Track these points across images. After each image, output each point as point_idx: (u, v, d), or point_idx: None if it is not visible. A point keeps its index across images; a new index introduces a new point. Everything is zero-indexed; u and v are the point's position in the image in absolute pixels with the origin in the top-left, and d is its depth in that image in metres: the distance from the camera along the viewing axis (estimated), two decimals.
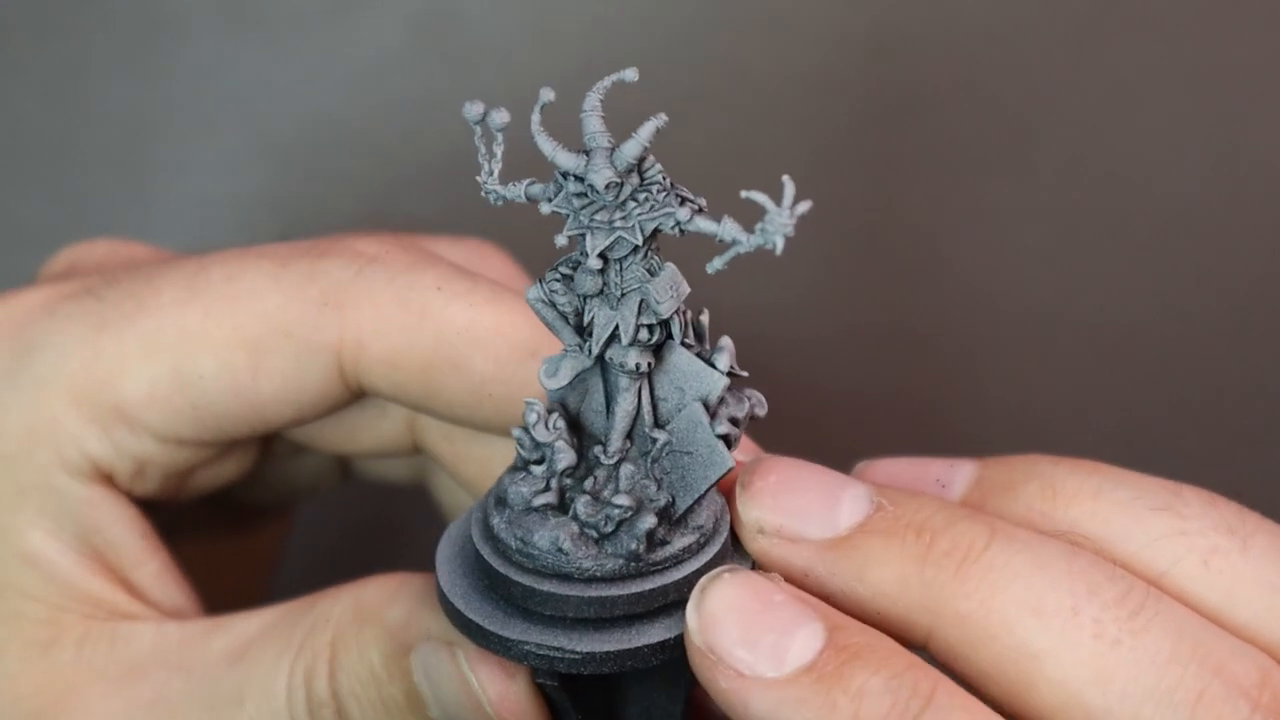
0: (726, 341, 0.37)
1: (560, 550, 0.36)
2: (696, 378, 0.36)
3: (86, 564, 0.42)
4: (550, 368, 0.36)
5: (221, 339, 0.42)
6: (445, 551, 0.38)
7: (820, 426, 0.66)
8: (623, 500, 0.36)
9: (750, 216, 0.34)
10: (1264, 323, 0.67)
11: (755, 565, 0.37)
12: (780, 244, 0.33)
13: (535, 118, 0.34)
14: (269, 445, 0.47)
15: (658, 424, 0.37)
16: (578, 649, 0.35)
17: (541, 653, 0.35)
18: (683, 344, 0.36)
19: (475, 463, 0.44)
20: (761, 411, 0.37)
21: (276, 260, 0.42)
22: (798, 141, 0.65)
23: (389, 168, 0.65)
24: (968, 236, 0.66)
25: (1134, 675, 0.34)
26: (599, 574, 0.36)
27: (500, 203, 0.36)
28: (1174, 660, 0.35)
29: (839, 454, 0.65)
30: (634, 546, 0.35)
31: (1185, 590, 0.36)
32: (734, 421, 0.37)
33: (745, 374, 0.37)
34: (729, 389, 0.37)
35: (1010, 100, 0.66)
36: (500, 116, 0.35)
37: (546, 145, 0.34)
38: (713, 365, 0.36)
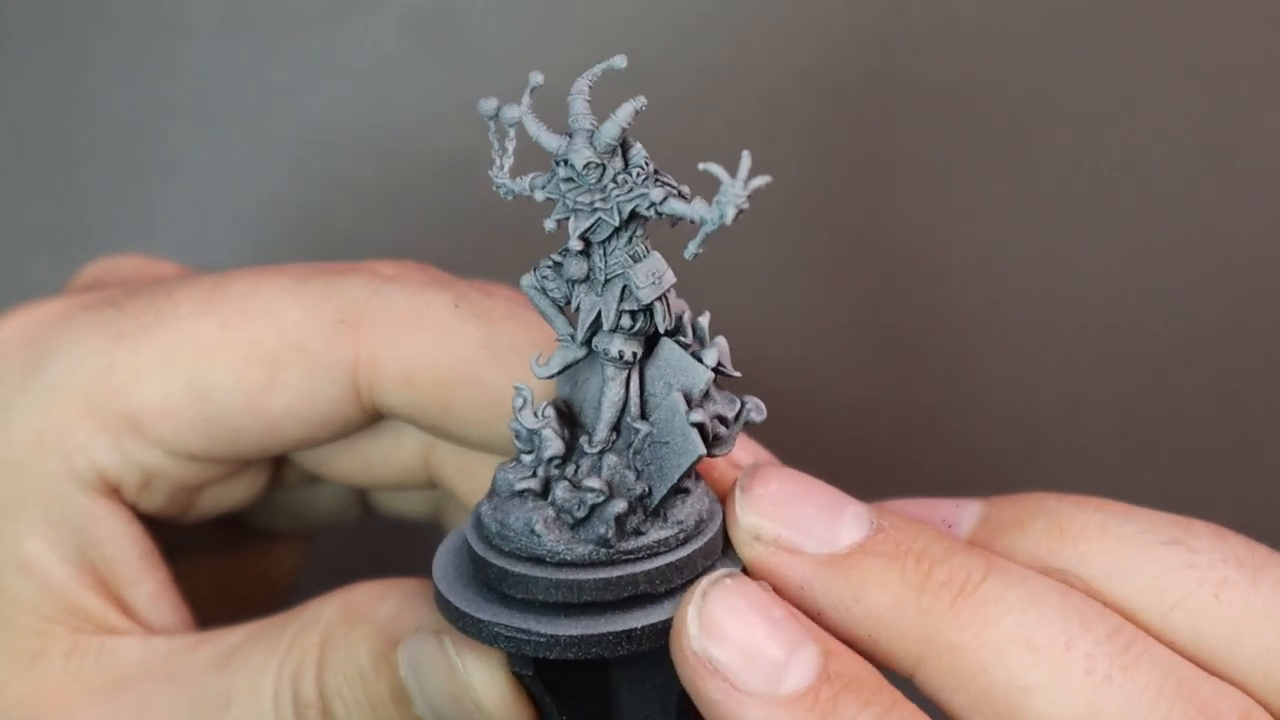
0: (720, 340, 0.37)
1: (533, 532, 0.36)
2: (682, 371, 0.37)
3: (81, 577, 0.42)
4: (538, 356, 0.37)
5: (237, 352, 0.42)
6: (447, 544, 0.38)
7: (816, 428, 0.66)
8: (594, 483, 0.36)
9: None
10: (1264, 323, 0.67)
11: (745, 570, 0.37)
12: (731, 214, 0.34)
13: (525, 100, 0.36)
14: (280, 473, 0.47)
15: (643, 416, 0.37)
16: (544, 631, 0.35)
17: (509, 634, 0.35)
18: (675, 340, 0.37)
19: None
20: (759, 417, 0.37)
21: (295, 277, 0.42)
22: (797, 141, 0.65)
23: (389, 168, 0.65)
24: (967, 236, 0.66)
25: (1123, 710, 0.35)
26: (569, 558, 0.36)
27: (510, 197, 0.37)
28: (1161, 696, 0.35)
29: (838, 455, 0.65)
30: (603, 531, 0.36)
31: (1196, 624, 0.37)
32: (722, 420, 0.37)
33: (737, 374, 0.37)
34: (718, 387, 0.37)
35: (1010, 100, 0.66)
36: (512, 112, 0.36)
37: (532, 126, 0.36)
38: (700, 360, 0.37)
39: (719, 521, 0.37)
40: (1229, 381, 0.67)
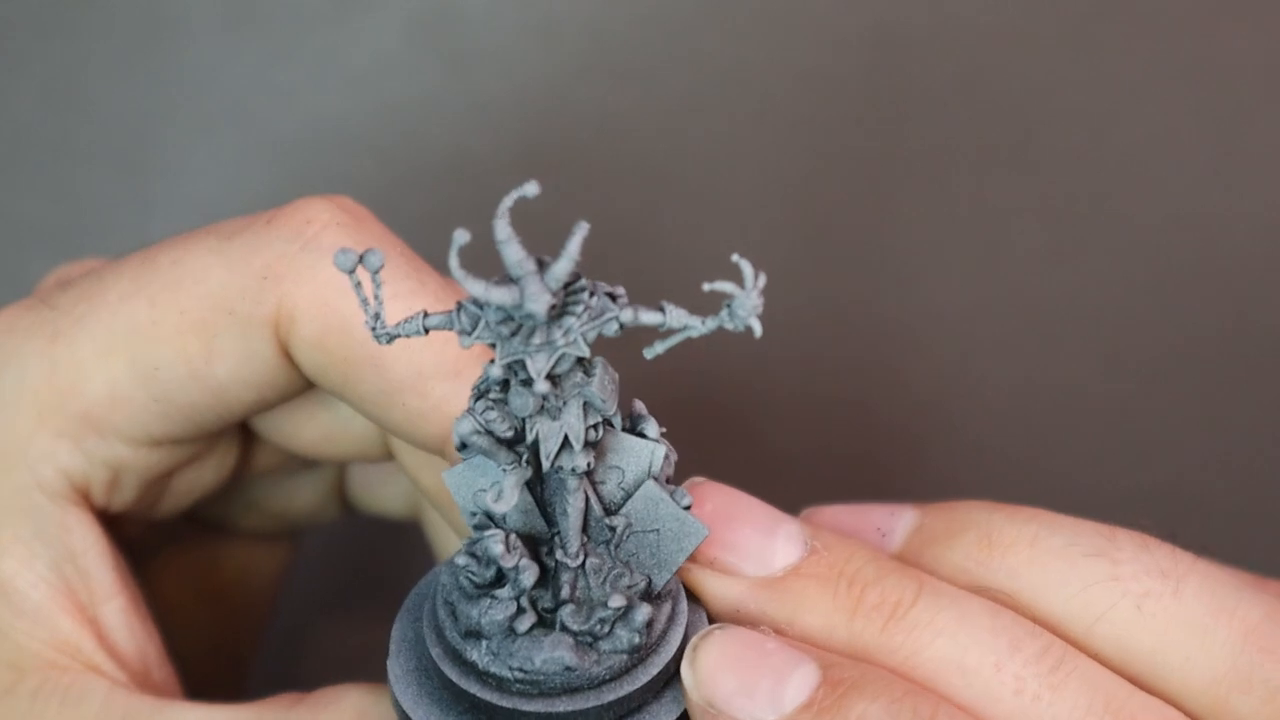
0: (640, 406, 0.36)
1: (569, 668, 0.35)
2: (632, 453, 0.36)
3: (57, 599, 0.41)
4: (494, 492, 0.35)
5: (170, 327, 0.41)
6: (408, 693, 0.36)
7: (812, 429, 0.66)
8: (617, 601, 0.35)
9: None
10: (1264, 324, 0.67)
11: (706, 608, 0.37)
12: (757, 326, 0.33)
13: (453, 262, 0.32)
14: (251, 456, 0.47)
15: (607, 510, 0.36)
16: None
17: None
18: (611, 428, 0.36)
19: (434, 471, 0.43)
20: (674, 457, 0.37)
21: (221, 235, 0.41)
22: (797, 142, 0.65)
23: (389, 168, 0.65)
24: (966, 237, 0.66)
25: None
26: (608, 676, 0.35)
27: (392, 343, 0.34)
28: (1089, 714, 0.36)
29: (837, 458, 0.65)
30: (637, 640, 0.35)
31: (1120, 635, 0.37)
32: (669, 480, 0.37)
33: (664, 429, 0.36)
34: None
35: (1010, 101, 0.66)
36: (375, 259, 0.33)
37: (477, 287, 0.32)
38: (643, 435, 0.36)
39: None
40: (1229, 382, 0.67)
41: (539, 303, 0.32)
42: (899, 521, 0.40)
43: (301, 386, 0.42)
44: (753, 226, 0.58)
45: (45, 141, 0.64)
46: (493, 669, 0.35)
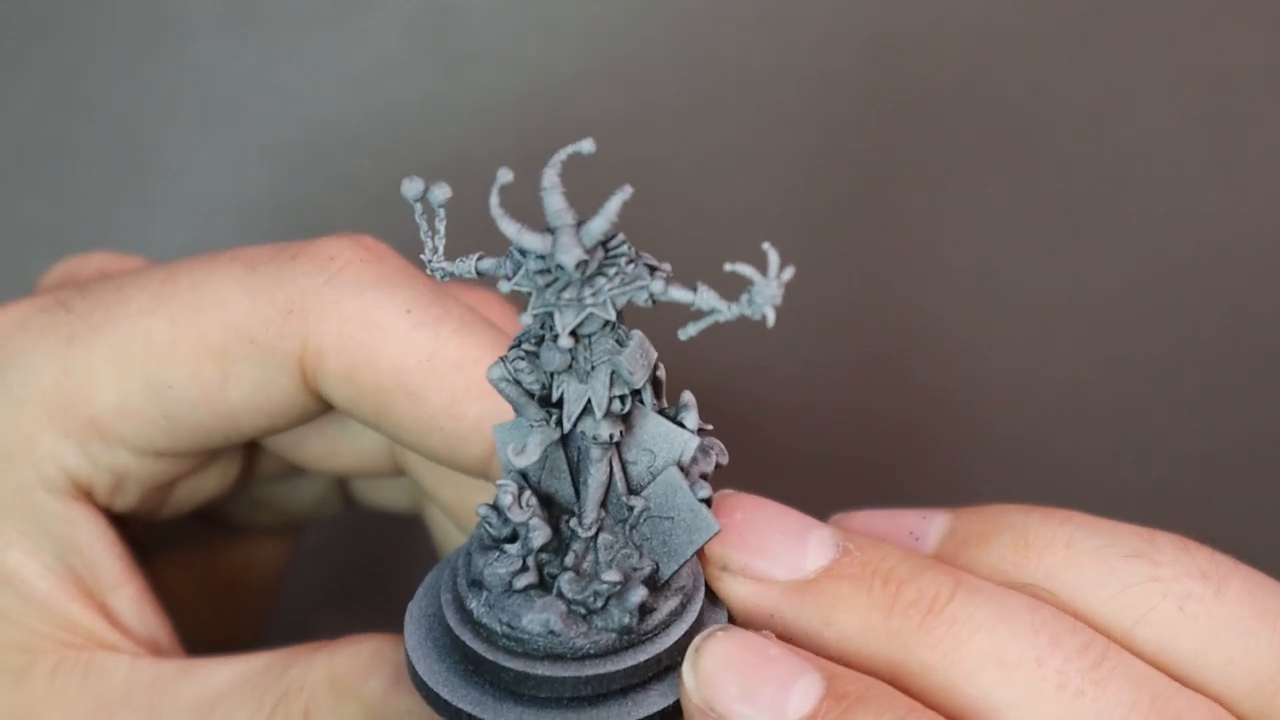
0: (689, 398, 0.36)
1: (552, 632, 0.35)
2: (666, 439, 0.36)
3: (65, 587, 0.41)
4: (517, 445, 0.35)
5: (188, 348, 0.41)
6: (415, 635, 0.37)
7: (809, 433, 0.66)
8: (612, 575, 0.35)
9: (728, 279, 0.33)
10: (1265, 325, 0.67)
11: (730, 614, 0.37)
12: (771, 315, 0.33)
13: (494, 200, 0.33)
14: (254, 462, 0.47)
15: (631, 490, 0.36)
16: None
17: None
18: (650, 408, 0.36)
19: (452, 487, 0.43)
20: (724, 460, 0.37)
21: (245, 264, 0.41)
22: (797, 142, 0.65)
23: (389, 168, 0.65)
24: (966, 238, 0.66)
25: None
26: (593, 651, 0.35)
27: (447, 279, 0.35)
28: (1134, 710, 0.35)
29: (840, 460, 0.65)
30: (626, 620, 0.35)
31: (1163, 636, 0.37)
32: (704, 477, 0.36)
33: (710, 427, 0.36)
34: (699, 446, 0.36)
35: (1010, 102, 0.66)
36: (441, 191, 0.34)
37: (510, 228, 0.33)
38: (681, 425, 0.36)
39: (701, 571, 0.37)
40: (1229, 384, 0.67)
41: (569, 254, 0.32)
42: (931, 525, 0.39)
43: (314, 415, 0.43)
44: (753, 227, 0.58)
45: (45, 141, 0.64)
46: (485, 620, 0.35)
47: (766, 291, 0.33)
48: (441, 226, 0.34)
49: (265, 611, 0.53)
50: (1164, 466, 0.67)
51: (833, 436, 0.66)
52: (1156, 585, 0.37)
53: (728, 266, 0.33)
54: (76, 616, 0.41)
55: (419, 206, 0.34)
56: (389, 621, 0.49)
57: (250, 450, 0.46)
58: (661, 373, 0.36)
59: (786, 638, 0.36)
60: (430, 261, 0.34)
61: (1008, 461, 0.67)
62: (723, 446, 0.37)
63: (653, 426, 0.36)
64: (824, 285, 0.66)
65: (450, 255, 0.35)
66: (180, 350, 0.41)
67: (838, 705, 0.34)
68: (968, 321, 0.67)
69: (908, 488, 0.64)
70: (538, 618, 0.35)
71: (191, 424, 0.42)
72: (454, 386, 0.40)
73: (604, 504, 0.36)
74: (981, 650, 0.35)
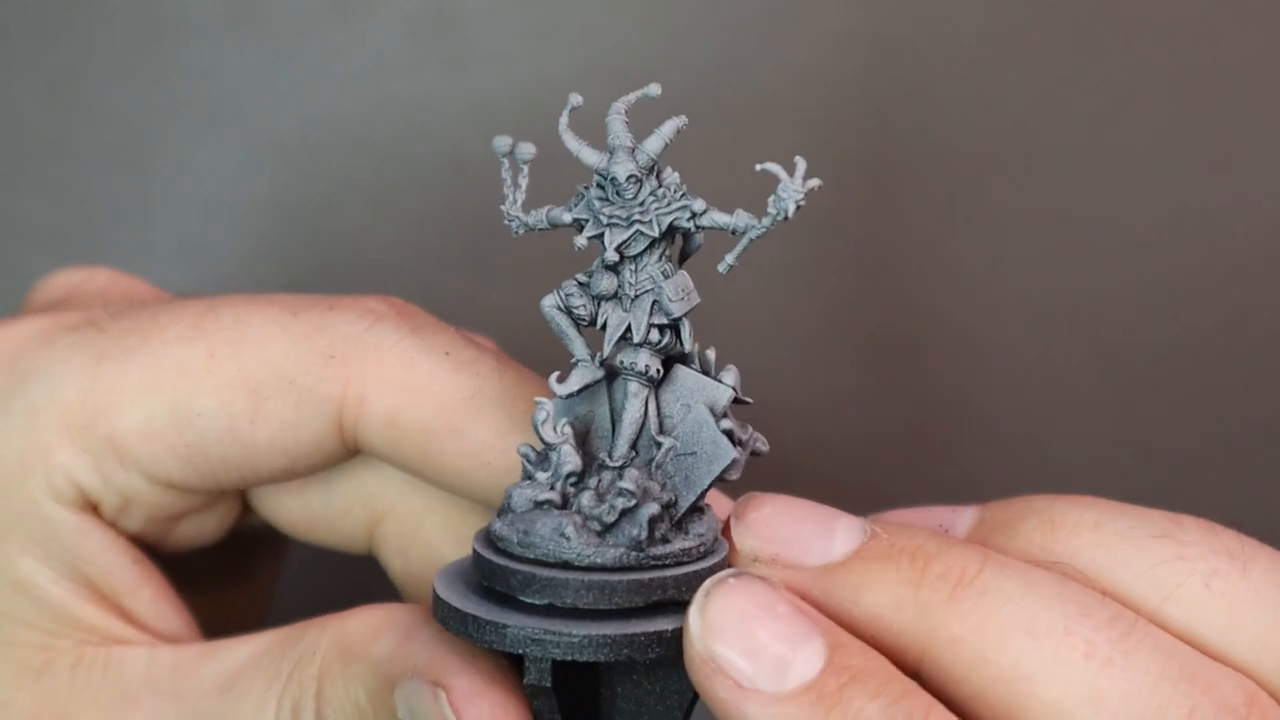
0: (732, 367, 0.38)
1: (563, 535, 0.36)
2: (703, 390, 0.38)
3: (79, 591, 0.42)
4: (557, 376, 0.37)
5: (223, 379, 0.41)
6: (444, 573, 0.38)
7: (811, 435, 0.66)
8: (628, 484, 0.36)
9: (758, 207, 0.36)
10: (1265, 327, 0.67)
11: None
12: (792, 209, 0.36)
13: (564, 119, 0.37)
14: (246, 510, 0.47)
15: (662, 430, 0.38)
16: (575, 632, 0.35)
17: (537, 636, 0.35)
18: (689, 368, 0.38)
19: (418, 584, 0.44)
20: (765, 448, 0.38)
21: (286, 308, 0.42)
22: (797, 142, 0.65)
23: (389, 168, 0.65)
24: (966, 239, 0.66)
25: (1126, 694, 0.35)
26: (600, 561, 0.36)
27: (523, 230, 0.38)
28: (1164, 679, 0.35)
29: (838, 463, 0.65)
30: (636, 533, 0.36)
31: (1190, 613, 0.37)
32: (740, 440, 0.37)
33: (749, 400, 0.38)
34: (735, 409, 0.38)
35: (1010, 103, 0.66)
36: (528, 148, 0.37)
37: (572, 143, 0.37)
38: (719, 381, 0.38)
39: (727, 546, 0.38)
40: (1231, 384, 0.67)
41: (622, 167, 0.36)
42: (961, 518, 0.40)
43: (333, 463, 0.43)
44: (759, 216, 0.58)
45: (45, 141, 0.64)
46: (503, 533, 0.37)
47: (790, 189, 0.36)
48: (524, 182, 0.37)
49: (259, 615, 0.53)
50: (1166, 465, 0.67)
51: (838, 437, 0.66)
52: (1183, 563, 0.37)
53: (759, 167, 0.36)
54: (92, 619, 0.42)
55: (506, 161, 0.37)
56: None
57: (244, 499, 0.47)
58: (712, 354, 0.38)
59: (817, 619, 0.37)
60: (509, 211, 0.38)
61: (1012, 461, 0.67)
62: (763, 437, 0.38)
63: (692, 381, 0.38)
64: (824, 285, 0.66)
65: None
66: (216, 380, 0.41)
67: (836, 679, 0.34)
68: (968, 321, 0.67)
69: (914, 488, 0.64)
70: (549, 522, 0.36)
71: (211, 455, 0.42)
72: (499, 422, 0.41)
73: (635, 446, 0.37)
74: (1010, 621, 0.35)
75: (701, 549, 0.37)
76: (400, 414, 0.41)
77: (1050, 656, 0.35)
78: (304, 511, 0.45)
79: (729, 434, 0.37)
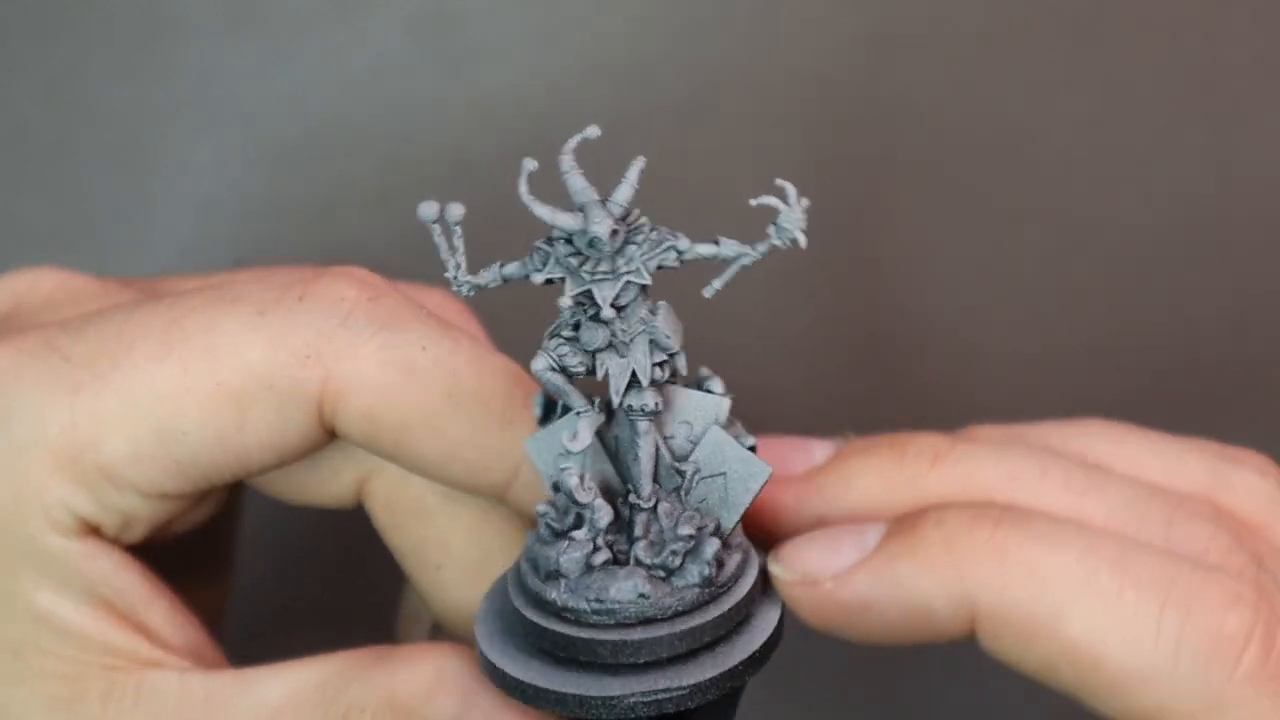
0: (707, 370, 0.38)
1: (643, 595, 0.36)
2: (700, 407, 0.38)
3: (100, 615, 0.42)
4: (569, 433, 0.37)
5: (203, 395, 0.41)
6: (492, 644, 0.38)
7: (816, 432, 0.66)
8: (687, 529, 0.36)
9: (745, 231, 0.36)
10: (1264, 328, 0.67)
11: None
12: (802, 238, 0.36)
13: (523, 188, 0.35)
14: (239, 491, 0.48)
15: (676, 459, 0.38)
16: (683, 683, 0.35)
17: (649, 699, 0.35)
18: (678, 384, 0.38)
19: (410, 538, 0.44)
20: (753, 441, 0.39)
21: (253, 307, 0.41)
22: (797, 142, 0.65)
23: (389, 168, 0.65)
24: (965, 239, 0.66)
25: (1108, 512, 0.40)
26: (681, 608, 0.36)
27: (474, 293, 0.36)
28: (1139, 498, 0.41)
29: None
30: (706, 572, 0.36)
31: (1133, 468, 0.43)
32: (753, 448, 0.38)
33: (733, 395, 0.38)
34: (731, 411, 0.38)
35: (1009, 103, 0.66)
36: (456, 210, 0.36)
37: (543, 211, 0.35)
38: (710, 392, 0.38)
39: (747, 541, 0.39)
40: (1232, 383, 0.67)
41: (602, 225, 0.35)
42: (820, 449, 0.44)
43: (321, 447, 0.43)
44: (752, 228, 0.58)
45: (45, 141, 0.64)
46: (570, 603, 0.36)
47: (793, 218, 0.36)
48: (460, 244, 0.36)
49: (221, 590, 0.53)
50: None
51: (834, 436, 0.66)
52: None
53: (753, 202, 0.36)
54: (116, 640, 0.41)
55: (437, 228, 0.36)
56: (379, 618, 0.49)
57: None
58: (682, 359, 0.38)
59: (816, 518, 0.41)
60: (455, 279, 0.36)
61: None
62: (751, 436, 0.39)
63: (684, 399, 0.38)
64: (820, 286, 0.66)
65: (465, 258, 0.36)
66: (196, 398, 0.41)
67: (908, 518, 0.40)
68: (967, 320, 0.67)
69: None
70: (625, 585, 0.36)
71: (204, 465, 0.42)
72: (474, 417, 0.41)
73: (655, 478, 0.37)
74: (992, 474, 0.41)
75: (745, 555, 0.38)
76: (377, 410, 0.41)
77: (1033, 491, 0.40)
78: (295, 481, 0.45)
79: (753, 449, 0.37)
